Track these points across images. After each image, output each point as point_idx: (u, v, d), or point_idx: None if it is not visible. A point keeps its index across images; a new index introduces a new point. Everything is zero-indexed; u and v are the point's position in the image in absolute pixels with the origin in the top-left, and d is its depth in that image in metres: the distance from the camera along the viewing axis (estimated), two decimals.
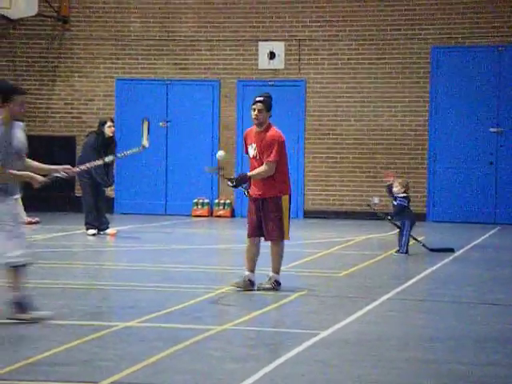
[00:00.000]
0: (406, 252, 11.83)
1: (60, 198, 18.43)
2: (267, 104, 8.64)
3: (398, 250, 11.89)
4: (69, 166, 7.51)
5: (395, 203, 12.06)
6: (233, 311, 7.95)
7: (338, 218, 17.55)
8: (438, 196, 17.72)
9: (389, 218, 12.28)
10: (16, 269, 7.01)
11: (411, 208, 12.31)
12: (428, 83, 17.77)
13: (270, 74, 18.30)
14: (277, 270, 8.73)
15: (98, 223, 13.77)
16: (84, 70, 18.79)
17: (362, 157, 18.02)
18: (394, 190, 12.06)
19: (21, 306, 7.03)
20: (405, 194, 12.01)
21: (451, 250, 12.13)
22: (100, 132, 13.86)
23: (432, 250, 12.02)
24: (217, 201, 18.32)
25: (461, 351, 6.38)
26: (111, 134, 13.87)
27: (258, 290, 8.65)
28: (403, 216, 11.98)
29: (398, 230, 12.08)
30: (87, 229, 13.76)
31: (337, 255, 11.89)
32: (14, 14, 17.33)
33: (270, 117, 8.70)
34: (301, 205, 18.11)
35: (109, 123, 13.96)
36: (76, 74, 18.81)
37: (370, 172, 17.77)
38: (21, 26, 18.70)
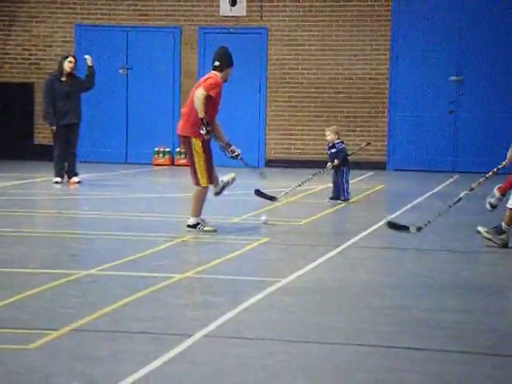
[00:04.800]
0: (349, 199, 11.84)
1: (18, 145, 18.18)
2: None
3: (344, 199, 11.83)
4: None
5: (334, 150, 11.96)
6: (193, 259, 7.95)
7: (299, 167, 17.56)
8: (398, 144, 17.79)
9: (333, 164, 11.91)
10: None
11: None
12: (389, 31, 17.72)
13: (231, 22, 18.10)
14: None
15: (66, 172, 13.68)
16: (42, 14, 18.43)
17: (324, 105, 17.99)
18: (329, 138, 12.02)
19: None
20: (340, 140, 12.05)
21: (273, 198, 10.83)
22: (58, 68, 13.62)
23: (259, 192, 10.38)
24: (178, 150, 18.21)
25: (420, 298, 6.46)
26: (69, 70, 13.62)
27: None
28: (345, 163, 11.94)
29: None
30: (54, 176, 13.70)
31: (298, 204, 11.92)
32: None
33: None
34: (262, 154, 18.09)
35: (70, 58, 13.70)
36: (34, 19, 18.45)
37: (330, 121, 17.75)
38: None
